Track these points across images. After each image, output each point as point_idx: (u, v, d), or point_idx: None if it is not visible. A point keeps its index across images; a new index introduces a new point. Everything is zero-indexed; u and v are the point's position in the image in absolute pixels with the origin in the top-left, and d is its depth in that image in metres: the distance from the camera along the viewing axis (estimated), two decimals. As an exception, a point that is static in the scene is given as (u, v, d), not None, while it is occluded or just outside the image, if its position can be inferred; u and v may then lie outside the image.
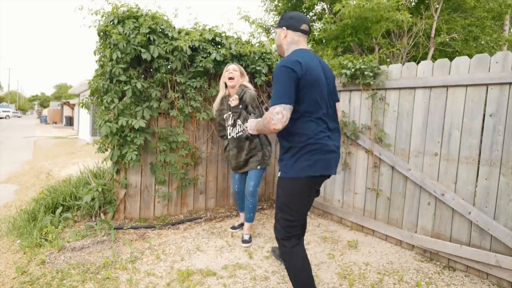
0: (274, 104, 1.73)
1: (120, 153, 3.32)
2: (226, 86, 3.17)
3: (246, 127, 2.11)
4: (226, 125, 3.21)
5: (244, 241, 3.13)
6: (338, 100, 2.17)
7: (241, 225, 3.49)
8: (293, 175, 1.87)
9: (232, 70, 3.07)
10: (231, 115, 3.11)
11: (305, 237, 3.35)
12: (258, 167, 3.12)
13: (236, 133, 3.11)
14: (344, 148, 3.73)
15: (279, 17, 11.61)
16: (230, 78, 3.05)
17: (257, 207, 4.25)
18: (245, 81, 3.15)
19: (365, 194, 3.50)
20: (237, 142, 3.12)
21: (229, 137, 3.19)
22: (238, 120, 3.06)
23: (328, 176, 1.97)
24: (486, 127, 2.56)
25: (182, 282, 2.40)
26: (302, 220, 1.98)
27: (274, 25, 11.84)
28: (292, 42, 2.01)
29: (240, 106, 3.03)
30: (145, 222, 3.57)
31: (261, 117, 3.08)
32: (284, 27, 2.02)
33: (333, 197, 3.89)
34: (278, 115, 1.70)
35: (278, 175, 1.94)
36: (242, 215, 3.48)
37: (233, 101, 3.01)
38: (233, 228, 3.47)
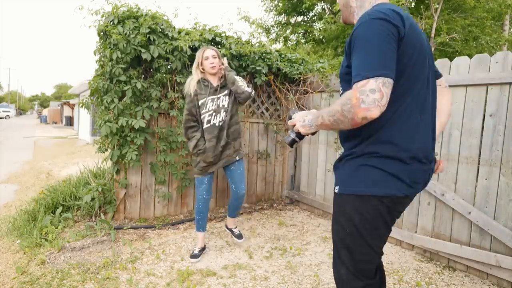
0: (364, 77, 1.06)
1: (120, 153, 3.32)
2: (201, 71, 2.77)
3: (292, 129, 1.43)
4: (201, 112, 2.72)
5: (238, 236, 3.04)
6: (439, 76, 1.46)
7: (202, 250, 2.88)
8: (358, 191, 1.22)
9: (211, 57, 2.71)
10: (216, 100, 2.73)
11: (305, 237, 3.37)
12: (237, 157, 2.82)
13: (219, 121, 2.72)
14: (344, 148, 3.72)
15: (279, 17, 11.63)
16: (213, 67, 2.72)
17: (257, 207, 4.26)
18: (225, 63, 2.84)
19: (365, 194, 3.49)
20: (218, 131, 2.72)
21: (206, 125, 2.72)
22: (226, 104, 2.72)
23: (413, 196, 1.30)
24: (486, 127, 2.56)
25: (182, 282, 2.40)
26: (377, 259, 1.31)
27: (274, 25, 11.85)
28: None
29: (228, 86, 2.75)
30: (145, 222, 3.57)
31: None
32: None
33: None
34: (374, 95, 1.04)
35: (335, 191, 1.32)
36: (201, 236, 2.89)
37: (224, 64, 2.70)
38: (194, 256, 2.77)
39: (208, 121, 2.73)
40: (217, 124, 2.73)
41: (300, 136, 1.41)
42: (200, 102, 2.72)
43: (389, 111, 1.14)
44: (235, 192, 2.88)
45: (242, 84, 2.73)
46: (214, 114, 2.72)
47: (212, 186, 2.93)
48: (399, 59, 1.14)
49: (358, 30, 1.15)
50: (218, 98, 2.74)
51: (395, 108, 1.18)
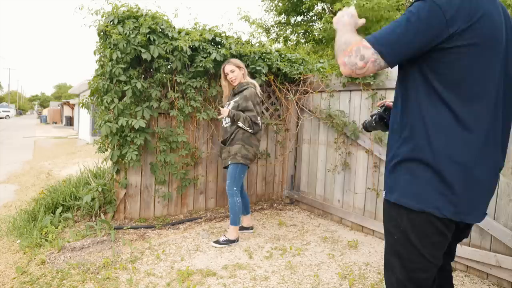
0: (369, 40, 1.07)
1: (120, 153, 3.32)
2: (229, 83, 3.21)
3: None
4: None
5: (215, 241, 3.08)
6: None
7: (243, 228, 3.37)
8: (399, 201, 1.16)
9: (230, 72, 3.09)
10: (227, 105, 3.14)
11: (305, 237, 3.37)
12: (229, 161, 3.04)
13: (225, 124, 3.15)
14: (344, 148, 3.73)
15: (279, 17, 11.62)
16: (233, 81, 3.13)
17: (257, 207, 4.26)
18: (245, 71, 3.18)
19: (365, 194, 3.50)
20: (224, 133, 3.18)
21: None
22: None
23: (464, 223, 1.19)
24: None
25: (182, 282, 2.40)
26: (433, 268, 1.19)
27: (274, 25, 11.85)
28: None
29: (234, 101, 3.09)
30: (145, 222, 3.57)
31: (256, 116, 3.05)
32: None
33: (333, 197, 3.89)
34: (359, 61, 1.06)
35: (383, 195, 1.26)
36: (242, 217, 3.35)
37: (223, 113, 3.03)
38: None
39: (222, 123, 3.21)
40: (224, 126, 3.16)
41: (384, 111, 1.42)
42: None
43: (437, 114, 1.07)
44: None
45: (242, 124, 3.02)
46: (225, 117, 3.14)
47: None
48: (449, 52, 1.03)
49: (413, 4, 1.08)
50: (229, 104, 3.11)
51: (445, 113, 1.07)
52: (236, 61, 3.14)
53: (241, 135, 3.04)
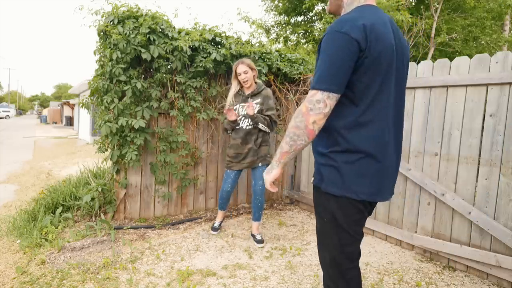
0: (313, 87, 1.24)
1: (120, 153, 3.32)
2: (238, 81, 3.15)
3: None
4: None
5: (258, 241, 3.13)
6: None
7: (221, 223, 3.43)
8: (323, 187, 1.35)
9: (243, 73, 3.03)
10: (246, 106, 3.03)
11: (305, 237, 3.37)
12: (260, 163, 3.12)
13: (246, 125, 3.06)
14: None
15: (279, 17, 11.63)
16: (245, 82, 3.07)
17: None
18: (256, 72, 3.14)
19: (365, 194, 3.50)
20: (245, 134, 3.07)
21: (236, 127, 3.13)
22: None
23: (374, 204, 1.44)
24: (486, 127, 2.56)
25: (182, 282, 2.40)
26: (356, 242, 1.41)
27: (274, 25, 11.86)
28: None
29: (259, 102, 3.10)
30: (145, 222, 3.57)
31: (276, 114, 3.09)
32: None
33: (333, 197, 3.89)
34: (320, 104, 1.21)
35: (312, 182, 1.43)
36: (221, 213, 3.39)
37: (250, 111, 2.92)
38: (214, 229, 3.35)
39: (238, 123, 3.10)
40: (244, 127, 3.08)
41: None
42: (234, 108, 3.11)
43: (350, 115, 1.28)
44: (253, 187, 3.18)
45: (262, 125, 3.06)
46: (243, 118, 3.07)
47: (236, 181, 3.25)
48: (357, 70, 1.23)
49: (323, 41, 1.28)
50: (245, 105, 3.04)
51: (358, 115, 1.27)
52: (250, 62, 3.08)
53: (266, 137, 3.16)
